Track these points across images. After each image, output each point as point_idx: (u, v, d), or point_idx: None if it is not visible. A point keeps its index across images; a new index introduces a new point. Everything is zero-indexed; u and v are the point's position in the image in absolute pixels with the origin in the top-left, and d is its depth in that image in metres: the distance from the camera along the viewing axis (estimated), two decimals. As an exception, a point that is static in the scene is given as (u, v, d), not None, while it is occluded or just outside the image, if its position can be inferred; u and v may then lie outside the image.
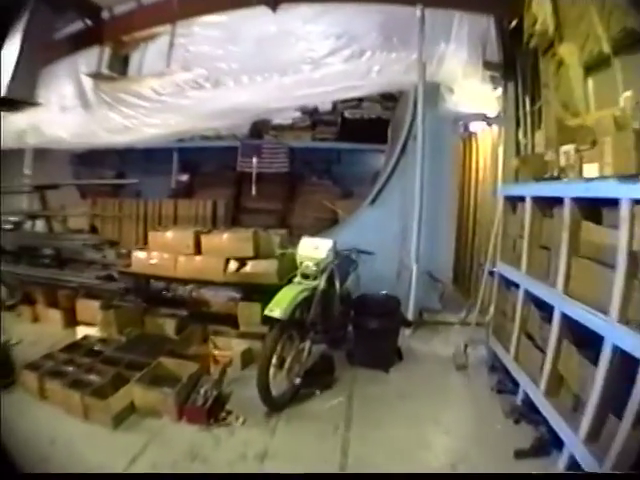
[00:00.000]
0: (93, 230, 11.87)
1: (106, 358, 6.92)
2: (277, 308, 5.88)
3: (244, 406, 6.13)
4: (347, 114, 13.43)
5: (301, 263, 6.67)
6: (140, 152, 13.92)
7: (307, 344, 6.56)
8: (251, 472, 5.05)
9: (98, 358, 6.90)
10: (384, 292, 8.03)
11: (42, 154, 13.04)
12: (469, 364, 7.45)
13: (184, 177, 14.74)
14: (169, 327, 8.16)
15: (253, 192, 13.20)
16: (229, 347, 7.55)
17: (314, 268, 6.52)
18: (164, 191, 14.26)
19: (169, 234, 8.43)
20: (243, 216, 13.37)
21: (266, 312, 5.93)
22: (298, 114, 13.58)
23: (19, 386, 6.64)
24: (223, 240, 8.01)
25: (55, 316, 9.29)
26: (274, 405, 6.04)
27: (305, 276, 6.57)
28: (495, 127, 9.37)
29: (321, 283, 6.51)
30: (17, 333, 8.59)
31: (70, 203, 12.69)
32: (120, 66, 10.26)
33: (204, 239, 8.06)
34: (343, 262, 7.31)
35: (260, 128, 13.98)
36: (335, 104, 13.30)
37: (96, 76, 10.33)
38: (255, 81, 9.33)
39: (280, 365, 6.16)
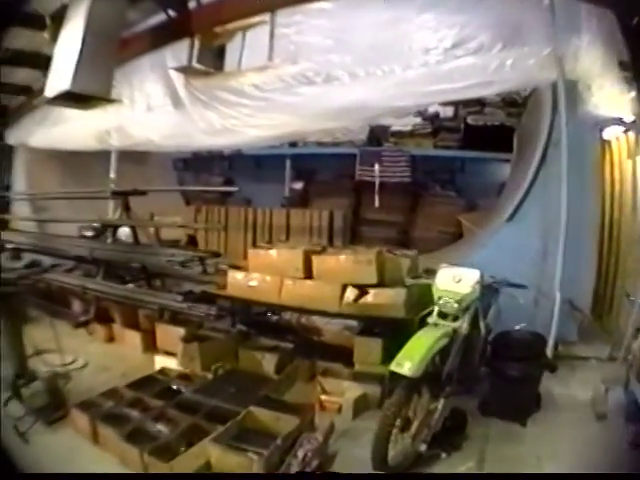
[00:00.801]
0: (192, 241, 11.20)
1: (182, 402, 6.06)
2: (407, 362, 4.72)
3: (351, 469, 5.10)
4: (470, 120, 12.79)
5: (439, 298, 5.39)
6: (250, 158, 13.97)
7: (440, 403, 5.32)
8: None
9: (172, 401, 6.06)
10: (522, 326, 6.75)
11: (141, 158, 12.81)
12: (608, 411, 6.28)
13: (298, 185, 14.35)
14: (268, 364, 7.09)
15: (376, 203, 12.54)
16: (339, 391, 6.43)
17: (455, 306, 5.26)
18: (276, 200, 13.95)
19: (273, 252, 7.38)
20: (362, 228, 12.90)
21: (392, 367, 4.78)
22: (418, 120, 13.07)
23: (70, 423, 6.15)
24: (340, 262, 6.84)
25: (133, 339, 8.61)
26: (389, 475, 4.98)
27: (443, 315, 5.35)
28: (631, 134, 8.17)
29: (463, 325, 5.29)
30: (86, 354, 8.19)
31: (172, 210, 12.25)
32: (214, 60, 9.37)
33: (316, 260, 6.93)
34: (487, 294, 5.98)
35: (379, 134, 13.50)
36: (457, 109, 12.84)
37: (186, 70, 9.44)
38: (373, 75, 8.15)
39: (403, 428, 5.06)
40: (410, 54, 7.92)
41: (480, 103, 12.47)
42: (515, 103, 11.90)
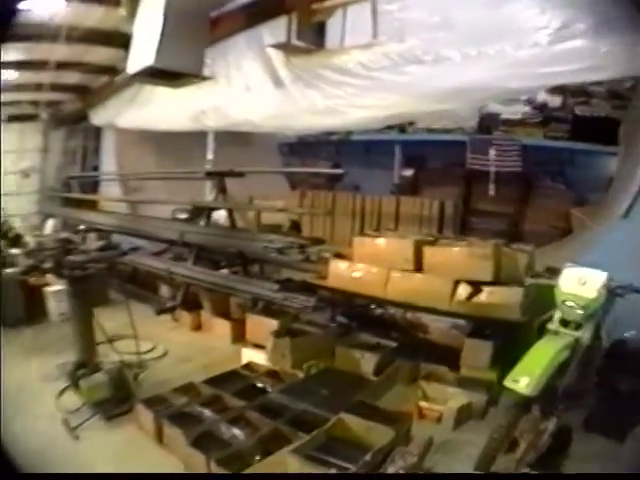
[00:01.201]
0: (295, 227, 10.98)
1: (266, 403, 5.68)
2: (525, 378, 4.16)
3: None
4: (578, 111, 12.15)
5: (563, 302, 4.79)
6: (359, 144, 13.70)
7: (551, 423, 4.71)
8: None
9: (254, 402, 5.66)
10: (631, 334, 6.17)
11: (245, 141, 12.73)
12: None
13: (408, 172, 13.95)
14: (367, 363, 6.58)
15: (491, 192, 12.12)
16: (442, 398, 5.88)
17: (580, 312, 4.59)
18: (385, 187, 13.66)
19: (381, 241, 6.95)
20: (472, 219, 12.47)
21: (507, 382, 4.24)
22: (527, 108, 12.51)
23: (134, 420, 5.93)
24: (453, 255, 6.36)
25: (222, 328, 8.39)
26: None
27: (564, 322, 4.74)
28: None
29: (586, 335, 4.62)
30: (167, 343, 8.04)
31: (277, 195, 12.10)
32: (314, 36, 8.79)
33: (428, 252, 6.47)
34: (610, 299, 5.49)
35: (489, 122, 12.97)
36: (565, 99, 12.17)
37: (285, 48, 8.86)
38: (484, 55, 7.52)
39: (509, 449, 4.57)
40: (520, 33, 7.49)
41: (586, 94, 11.93)
42: (620, 95, 11.28)
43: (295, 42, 8.58)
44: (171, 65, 7.07)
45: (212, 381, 6.27)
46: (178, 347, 7.98)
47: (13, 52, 11.14)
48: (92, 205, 13.81)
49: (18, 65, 12.31)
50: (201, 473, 4.74)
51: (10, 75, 13.10)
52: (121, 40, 9.46)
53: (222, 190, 9.70)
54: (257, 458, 4.71)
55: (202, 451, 4.74)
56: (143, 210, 12.70)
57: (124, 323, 6.99)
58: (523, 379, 4.19)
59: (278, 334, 7.14)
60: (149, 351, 7.65)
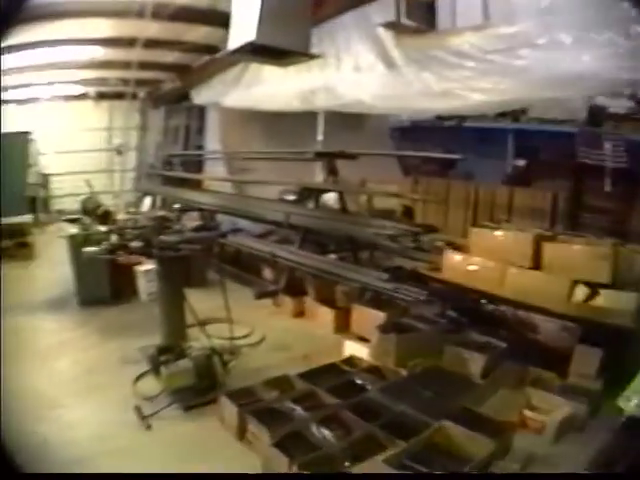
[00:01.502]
0: (407, 213, 10.75)
1: (363, 403, 5.41)
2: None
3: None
4: None
5: None
6: (471, 131, 13.33)
7: None
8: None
9: (351, 400, 5.40)
10: None
11: (356, 124, 12.52)
12: None
13: (521, 162, 13.53)
14: (475, 365, 6.21)
15: (606, 188, 11.45)
16: (547, 407, 5.53)
17: None
18: (496, 176, 13.37)
19: (500, 234, 6.80)
20: (582, 214, 11.90)
21: (621, 403, 4.05)
22: (631, 104, 11.87)
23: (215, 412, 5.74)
24: (574, 253, 6.15)
25: (325, 316, 8.24)
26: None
27: None
28: None
29: None
30: (266, 328, 7.91)
31: (388, 180, 11.91)
32: (424, 16, 8.55)
33: (548, 248, 6.28)
34: None
35: (597, 115, 12.29)
36: None
37: (395, 27, 8.72)
38: (596, 42, 7.08)
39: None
40: (629, 22, 7.10)
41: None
42: None
43: (405, 21, 8.38)
44: (273, 41, 6.89)
45: (308, 375, 6.05)
46: (276, 334, 7.86)
47: (96, 28, 11.32)
48: (195, 184, 13.80)
49: (105, 42, 12.46)
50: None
51: (96, 52, 13.30)
52: (220, 18, 9.44)
53: (333, 172, 9.38)
54: (346, 464, 4.47)
55: (286, 453, 4.50)
56: (249, 191, 12.60)
57: (220, 305, 6.90)
58: (636, 399, 3.96)
59: (384, 329, 6.86)
60: (245, 337, 7.58)
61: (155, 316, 6.80)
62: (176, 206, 8.42)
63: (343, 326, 7.92)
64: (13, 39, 11.64)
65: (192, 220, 9.41)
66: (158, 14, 9.70)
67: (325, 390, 5.63)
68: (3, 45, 10.99)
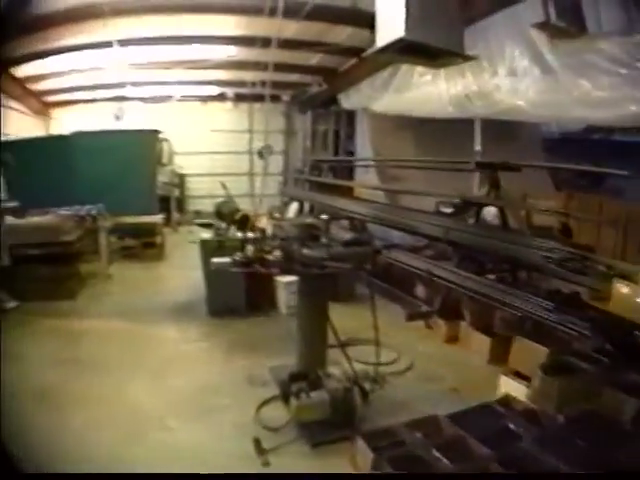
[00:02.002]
0: (565, 231, 10.10)
1: (514, 455, 4.70)
2: None
3: None
4: None
5: None
6: (620, 144, 12.96)
7: None
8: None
9: (500, 452, 4.74)
10: None
11: (508, 134, 12.06)
12: None
13: None
14: (629, 409, 5.33)
15: None
16: None
17: None
18: None
19: None
20: None
21: None
22: None
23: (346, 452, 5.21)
24: None
25: (481, 344, 7.71)
26: None
27: None
28: None
29: None
30: (416, 353, 7.70)
31: (540, 194, 11.30)
32: (572, 17, 7.83)
33: None
34: None
35: None
36: None
37: (545, 28, 8.04)
38: None
39: None
40: None
41: None
42: None
43: (555, 22, 7.84)
44: (424, 38, 6.49)
45: (458, 417, 5.36)
46: (426, 360, 7.41)
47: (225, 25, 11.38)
48: (345, 192, 13.54)
49: (238, 41, 12.50)
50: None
51: (229, 51, 13.26)
52: (363, 18, 9.33)
53: (494, 185, 8.80)
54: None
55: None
56: (403, 201, 12.14)
57: (366, 325, 6.35)
58: None
59: (547, 370, 6.02)
60: (390, 363, 7.09)
61: (293, 333, 6.37)
62: (324, 216, 8.06)
63: (499, 356, 7.29)
64: (133, 32, 11.79)
65: (342, 229, 9.12)
66: (294, 13, 9.46)
67: (476, 437, 4.97)
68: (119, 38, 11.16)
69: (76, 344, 8.52)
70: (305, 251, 5.79)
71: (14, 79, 15.33)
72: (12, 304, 10.30)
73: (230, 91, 19.67)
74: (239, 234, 8.65)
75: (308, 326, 6.13)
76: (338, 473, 4.68)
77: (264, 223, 8.74)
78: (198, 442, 5.50)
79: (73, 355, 8.01)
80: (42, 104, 19.97)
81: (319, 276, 5.82)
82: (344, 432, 5.38)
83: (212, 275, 9.10)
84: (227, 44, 13.13)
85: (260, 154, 13.82)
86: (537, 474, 4.40)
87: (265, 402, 6.15)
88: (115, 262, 13.65)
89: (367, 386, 6.12)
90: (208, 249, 9.26)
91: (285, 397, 5.88)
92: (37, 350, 8.23)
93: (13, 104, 16.65)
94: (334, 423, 5.50)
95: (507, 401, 5.89)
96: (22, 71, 14.90)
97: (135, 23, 11.21)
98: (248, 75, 14.80)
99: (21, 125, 17.45)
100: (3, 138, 14.10)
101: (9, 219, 11.15)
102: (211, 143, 20.69)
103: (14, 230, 10.85)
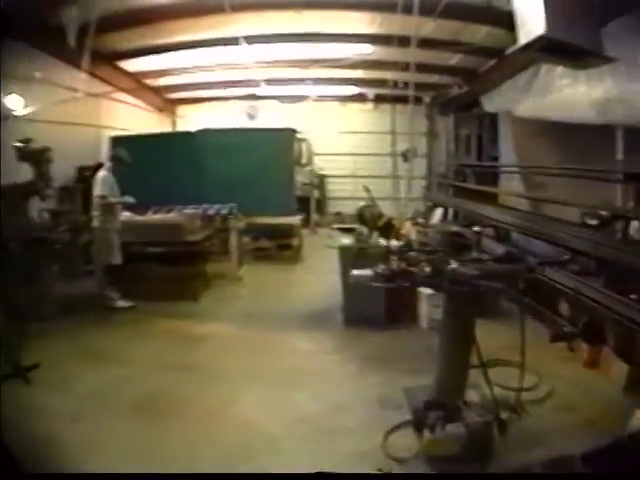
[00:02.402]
0: None
1: None
2: None
3: None
4: None
5: None
6: None
7: None
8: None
9: None
10: None
11: None
12: None
13: None
14: None
15: None
16: None
17: None
18: None
19: None
20: None
21: None
22: None
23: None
24: None
25: (620, 371, 6.90)
26: None
27: None
28: None
29: None
30: (555, 378, 7.00)
31: None
32: None
33: None
34: None
35: None
36: None
37: None
38: None
39: None
40: None
41: None
42: None
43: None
44: (565, 36, 6.14)
45: (591, 457, 4.70)
46: (565, 387, 6.82)
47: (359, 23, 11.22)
48: (488, 198, 13.08)
49: (374, 39, 12.28)
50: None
51: (365, 50, 13.06)
52: (499, 17, 9.17)
53: None
54: None
55: None
56: (546, 210, 11.46)
57: (508, 343, 6.10)
58: None
59: None
60: (530, 389, 6.46)
61: (433, 350, 5.91)
62: (476, 228, 7.55)
63: (636, 387, 6.57)
64: (261, 29, 11.66)
65: (488, 243, 8.67)
66: (428, 11, 9.18)
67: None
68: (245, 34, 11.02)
69: (191, 349, 8.46)
70: (454, 267, 5.24)
71: (127, 73, 15.84)
72: (124, 303, 10.43)
73: (370, 91, 19.44)
74: (382, 241, 8.39)
75: (451, 349, 5.63)
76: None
77: (408, 229, 8.35)
78: (312, 469, 4.99)
79: (186, 361, 7.93)
80: (166, 101, 20.58)
81: (468, 295, 5.31)
82: (475, 468, 4.98)
83: (350, 282, 8.71)
84: (362, 42, 12.92)
85: (404, 156, 13.57)
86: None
87: (395, 428, 5.69)
88: (246, 264, 13.62)
89: (506, 416, 5.59)
90: (348, 256, 8.99)
91: (418, 426, 5.42)
92: (146, 353, 8.23)
93: (129, 99, 17.28)
94: (467, 458, 5.05)
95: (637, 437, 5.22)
96: (137, 65, 15.41)
97: (262, 19, 11.10)
98: (387, 75, 14.55)
99: (140, 121, 18.09)
100: (118, 133, 14.39)
101: (126, 215, 11.20)
102: (352, 144, 20.67)
103: (131, 227, 10.95)
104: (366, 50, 13.38)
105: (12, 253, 8.69)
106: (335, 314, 9.58)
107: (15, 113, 10.82)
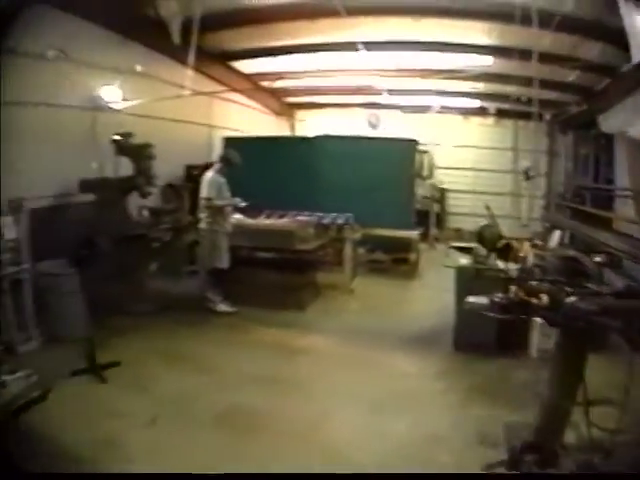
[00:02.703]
0: None
1: None
2: None
3: None
4: None
5: None
6: None
7: None
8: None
9: None
10: None
11: None
12: None
13: None
14: None
15: None
16: None
17: None
18: None
19: None
20: None
21: None
22: None
23: None
24: None
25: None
26: None
27: None
28: None
29: None
30: None
31: None
32: None
33: None
34: None
35: None
36: None
37: None
38: None
39: None
40: None
41: None
42: None
43: None
44: None
45: None
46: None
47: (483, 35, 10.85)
48: (603, 222, 12.73)
49: (494, 51, 12.08)
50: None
51: (486, 62, 12.83)
52: (609, 34, 8.88)
53: None
54: None
55: None
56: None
57: (610, 381, 5.39)
58: None
59: None
60: (627, 431, 5.79)
61: (541, 383, 5.49)
62: (597, 258, 7.15)
63: None
64: (379, 35, 11.42)
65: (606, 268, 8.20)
66: (545, 23, 8.86)
67: None
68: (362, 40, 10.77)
69: (287, 362, 8.32)
70: (573, 301, 4.83)
71: (241, 74, 15.98)
72: (225, 307, 10.43)
73: (491, 105, 18.98)
74: (499, 264, 8.18)
75: (557, 387, 5.25)
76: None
77: (526, 250, 7.94)
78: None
79: (279, 374, 7.84)
80: (284, 104, 20.73)
81: (583, 331, 4.90)
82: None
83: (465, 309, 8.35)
84: (482, 53, 12.47)
85: (526, 175, 13.13)
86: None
87: (488, 467, 5.37)
88: (360, 276, 13.36)
89: (597, 460, 5.17)
90: (464, 277, 8.68)
91: (512, 468, 5.14)
92: (238, 362, 8.19)
93: (245, 101, 17.57)
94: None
95: None
96: (252, 67, 15.53)
97: (378, 25, 10.87)
98: (508, 89, 14.14)
99: (256, 123, 18.38)
100: (231, 134, 14.36)
101: (237, 218, 11.15)
102: (472, 159, 20.14)
103: (241, 231, 10.89)
104: (486, 62, 12.92)
105: (104, 248, 8.70)
106: (445, 336, 9.19)
107: (112, 106, 10.90)
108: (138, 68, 11.76)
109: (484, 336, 8.43)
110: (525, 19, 8.50)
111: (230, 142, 13.93)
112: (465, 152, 20.35)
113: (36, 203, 8.91)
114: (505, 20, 9.49)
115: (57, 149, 9.53)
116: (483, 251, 8.93)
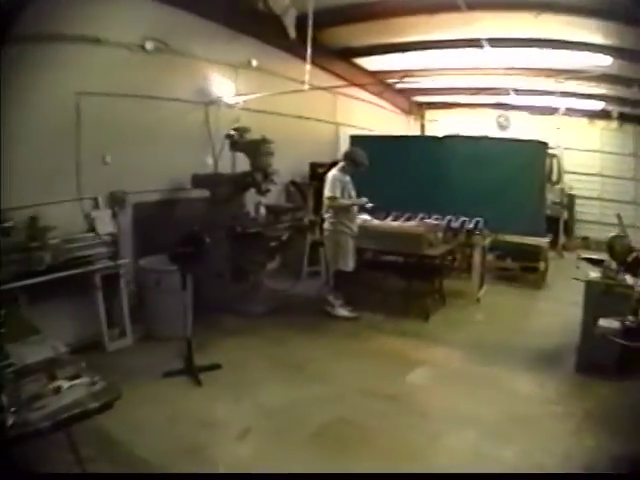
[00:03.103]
0: None
1: None
2: None
3: None
4: None
5: None
6: None
7: None
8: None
9: None
10: None
11: None
12: None
13: None
14: None
15: None
16: None
17: None
18: None
19: None
20: None
21: None
22: None
23: None
24: None
25: None
26: None
27: None
28: None
29: None
30: None
31: None
32: None
33: None
34: None
35: None
36: None
37: None
38: None
39: None
40: None
41: None
42: None
43: None
44: None
45: None
46: None
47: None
48: None
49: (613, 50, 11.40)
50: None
51: (604, 62, 12.14)
52: None
53: None
54: None
55: None
56: None
57: None
58: None
59: None
60: None
61: None
62: None
63: None
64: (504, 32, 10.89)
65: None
66: None
67: None
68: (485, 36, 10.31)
69: (402, 375, 7.93)
70: None
71: (366, 72, 15.78)
72: (346, 312, 10.15)
73: (615, 109, 18.12)
74: (629, 279, 7.55)
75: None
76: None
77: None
78: None
79: (391, 388, 7.47)
80: (413, 104, 20.54)
81: None
82: None
83: (591, 323, 7.78)
84: (600, 53, 11.75)
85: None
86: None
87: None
88: (487, 284, 12.83)
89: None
90: (593, 292, 8.05)
91: None
92: (349, 372, 7.92)
93: (372, 99, 17.35)
94: None
95: None
96: (377, 64, 15.29)
97: (498, 21, 10.43)
98: (630, 92, 13.42)
99: (384, 122, 18.31)
100: (359, 132, 14.13)
101: (363, 219, 10.91)
102: (598, 164, 19.30)
103: (366, 233, 10.56)
104: (605, 62, 12.19)
105: (215, 244, 8.42)
106: (568, 355, 8.56)
107: (226, 100, 10.86)
108: (254, 63, 11.74)
109: (608, 357, 7.74)
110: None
111: (356, 140, 13.53)
112: (591, 157, 19.59)
113: (141, 197, 9.00)
114: (619, 20, 9.10)
115: (169, 143, 9.63)
116: (613, 264, 8.27)
